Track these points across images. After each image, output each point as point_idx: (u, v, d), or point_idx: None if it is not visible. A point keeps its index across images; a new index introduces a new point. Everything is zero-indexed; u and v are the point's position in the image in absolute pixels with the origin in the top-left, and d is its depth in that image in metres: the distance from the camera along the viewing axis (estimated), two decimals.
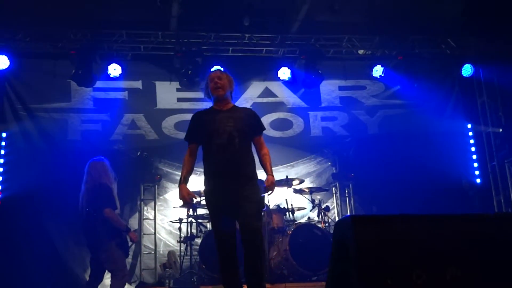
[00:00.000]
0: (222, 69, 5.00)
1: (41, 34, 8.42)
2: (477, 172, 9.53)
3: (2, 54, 8.08)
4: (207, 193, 4.49)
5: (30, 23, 8.23)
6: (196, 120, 4.68)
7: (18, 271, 7.76)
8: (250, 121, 4.61)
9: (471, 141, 9.72)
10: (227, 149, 4.37)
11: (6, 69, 8.19)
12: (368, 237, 2.51)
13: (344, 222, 2.70)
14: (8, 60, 8.13)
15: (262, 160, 4.61)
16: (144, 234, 8.70)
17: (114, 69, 8.57)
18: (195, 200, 4.66)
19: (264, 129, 4.75)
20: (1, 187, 8.29)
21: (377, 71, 9.24)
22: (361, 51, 9.45)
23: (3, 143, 8.52)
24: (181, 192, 4.45)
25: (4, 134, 8.55)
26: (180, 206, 7.92)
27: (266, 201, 4.61)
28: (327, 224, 7.78)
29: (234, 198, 4.29)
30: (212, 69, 4.93)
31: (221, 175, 4.38)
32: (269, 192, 4.51)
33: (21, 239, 7.94)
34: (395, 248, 2.58)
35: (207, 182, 4.49)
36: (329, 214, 8.11)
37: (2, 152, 8.50)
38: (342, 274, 2.61)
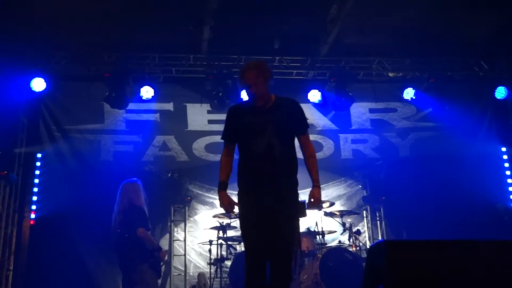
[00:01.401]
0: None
1: (76, 58, 8.63)
2: None
3: (39, 77, 8.28)
4: (240, 200, 4.17)
5: (66, 47, 8.44)
6: (232, 117, 4.35)
7: None
8: (292, 120, 4.25)
9: (506, 165, 9.50)
10: (265, 160, 4.07)
11: (42, 91, 8.37)
12: (402, 263, 2.47)
13: (378, 247, 2.67)
14: (45, 83, 8.32)
15: (307, 165, 4.28)
16: (174, 255, 8.70)
17: (147, 91, 8.69)
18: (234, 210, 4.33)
19: (308, 126, 4.39)
20: (36, 207, 8.43)
21: (408, 93, 9.19)
22: (391, 74, 9.41)
23: (38, 164, 8.70)
24: (222, 201, 4.19)
25: (39, 155, 8.73)
26: (211, 228, 7.95)
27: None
28: (358, 248, 7.69)
29: (268, 211, 4.00)
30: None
31: (257, 184, 4.09)
32: (313, 208, 4.22)
33: (54, 257, 8.04)
34: (429, 274, 2.54)
35: (241, 185, 4.20)
36: (360, 238, 8.01)
37: (37, 172, 8.66)
38: None
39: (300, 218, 4.38)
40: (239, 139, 4.25)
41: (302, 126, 4.35)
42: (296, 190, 4.21)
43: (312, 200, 4.15)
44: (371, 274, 2.67)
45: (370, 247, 2.99)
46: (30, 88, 8.30)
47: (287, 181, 4.15)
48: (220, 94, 8.64)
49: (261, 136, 4.11)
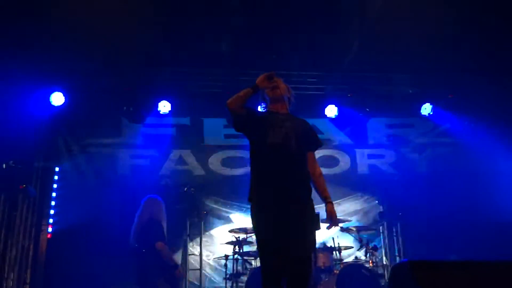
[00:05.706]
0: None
1: (95, 72, 8.66)
2: None
3: (58, 91, 8.36)
4: (257, 209, 3.92)
5: (85, 61, 8.48)
6: (250, 110, 4.17)
7: None
8: (308, 131, 4.26)
9: None
10: (282, 150, 3.95)
11: (61, 105, 8.45)
12: (427, 283, 2.43)
13: (402, 267, 2.63)
14: (64, 97, 8.40)
15: (317, 182, 4.14)
16: (189, 269, 8.67)
17: (164, 106, 8.76)
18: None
19: (321, 145, 4.38)
20: (53, 220, 8.49)
21: (426, 109, 9.14)
22: (410, 89, 9.33)
23: (56, 177, 8.77)
24: (259, 79, 4.08)
25: (57, 169, 8.80)
26: (226, 243, 7.91)
27: None
28: (374, 264, 7.61)
29: (287, 211, 3.80)
30: None
31: (274, 178, 3.90)
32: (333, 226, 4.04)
33: (71, 271, 8.04)
34: None
35: (257, 188, 3.98)
36: (377, 254, 7.93)
37: (55, 186, 8.73)
38: None
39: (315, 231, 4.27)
40: (253, 130, 4.12)
41: (316, 141, 4.34)
42: (312, 200, 4.06)
43: (331, 216, 4.06)
44: None
45: (393, 267, 2.94)
46: (50, 102, 8.39)
47: (303, 176, 4.04)
48: None
49: (279, 129, 4.05)
